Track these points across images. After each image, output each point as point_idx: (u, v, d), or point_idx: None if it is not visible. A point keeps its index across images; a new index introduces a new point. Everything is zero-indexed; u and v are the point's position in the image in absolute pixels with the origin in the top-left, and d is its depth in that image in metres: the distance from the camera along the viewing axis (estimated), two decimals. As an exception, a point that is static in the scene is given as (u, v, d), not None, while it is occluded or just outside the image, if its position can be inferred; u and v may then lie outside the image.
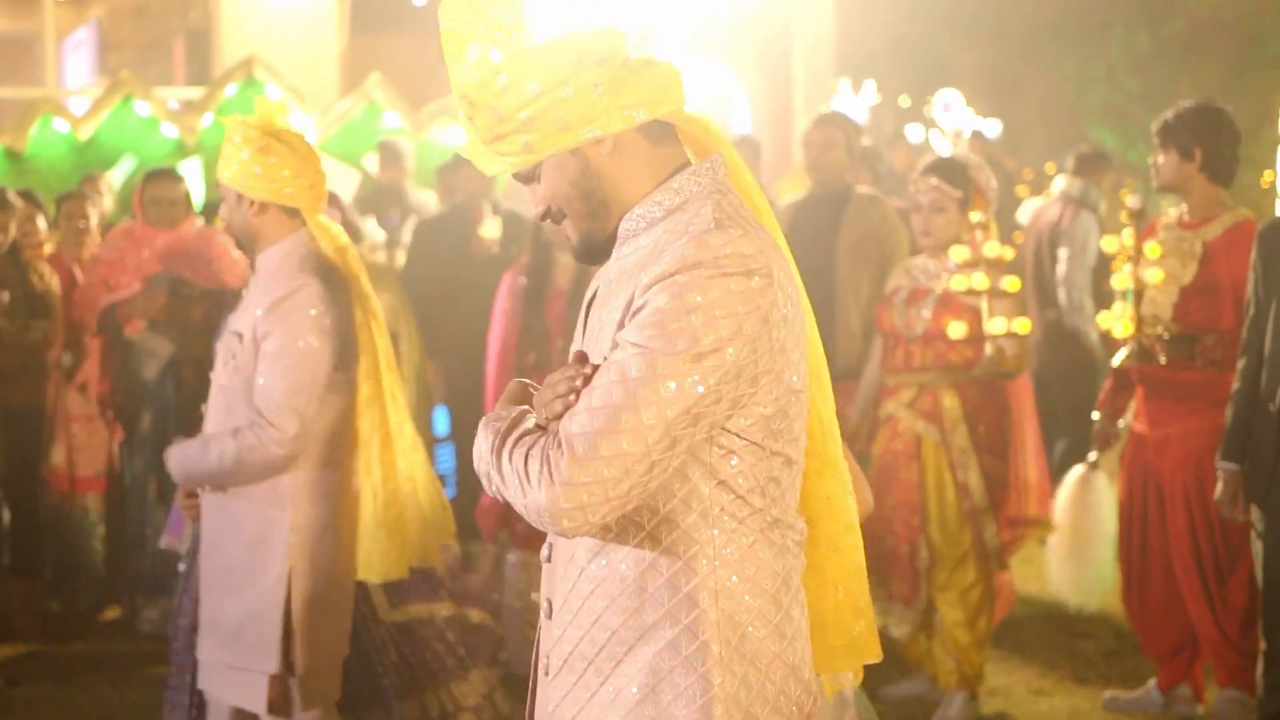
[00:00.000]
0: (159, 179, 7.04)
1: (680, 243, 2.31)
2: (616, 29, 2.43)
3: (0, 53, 19.54)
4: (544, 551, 2.52)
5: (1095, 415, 5.87)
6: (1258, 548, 4.99)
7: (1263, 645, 5.02)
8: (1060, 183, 8.63)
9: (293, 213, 4.34)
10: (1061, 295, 8.08)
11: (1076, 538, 5.98)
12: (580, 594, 2.41)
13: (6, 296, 6.66)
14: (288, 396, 4.12)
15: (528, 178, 2.51)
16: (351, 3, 13.83)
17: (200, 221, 7.14)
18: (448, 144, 11.03)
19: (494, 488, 2.37)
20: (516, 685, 6.12)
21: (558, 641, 2.44)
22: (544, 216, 2.51)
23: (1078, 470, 6.01)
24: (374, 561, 4.31)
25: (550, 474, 2.24)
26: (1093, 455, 5.96)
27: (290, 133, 4.34)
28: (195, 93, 12.17)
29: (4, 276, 6.78)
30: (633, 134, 2.42)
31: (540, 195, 2.49)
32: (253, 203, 4.28)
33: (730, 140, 2.52)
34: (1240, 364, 5.07)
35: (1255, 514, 5.00)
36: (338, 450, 4.28)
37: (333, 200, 7.88)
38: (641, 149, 2.44)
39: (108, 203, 8.81)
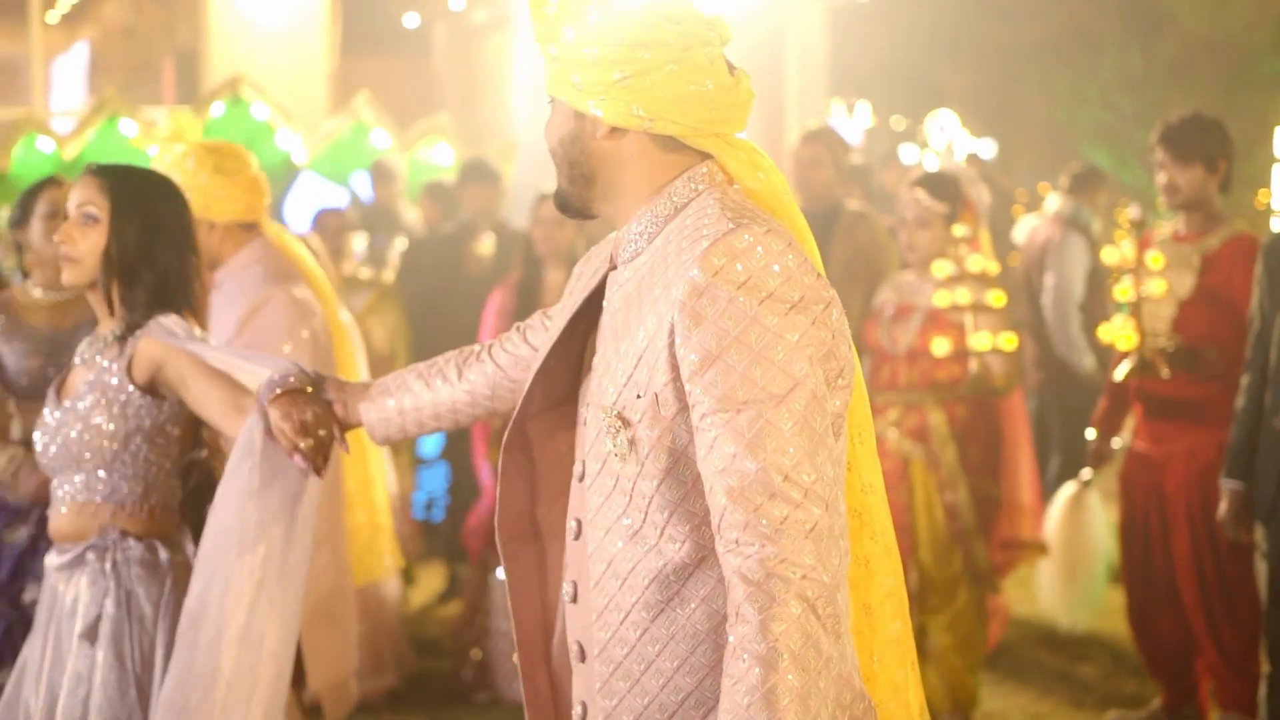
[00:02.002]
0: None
1: (701, 249, 2.14)
2: (712, 26, 2.29)
3: (-11, 74, 19.50)
4: (570, 525, 2.38)
5: (1090, 433, 5.78)
6: (1261, 568, 4.89)
7: (1265, 668, 4.92)
8: (1054, 202, 8.54)
9: (247, 225, 4.28)
10: (1049, 320, 8.00)
11: (1068, 557, 5.90)
12: (609, 587, 2.27)
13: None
14: None
15: (548, 99, 2.39)
16: (341, 24, 13.79)
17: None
18: (435, 163, 10.96)
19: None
20: (504, 713, 6.01)
21: (591, 628, 2.30)
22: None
23: (1069, 489, 5.92)
24: (371, 565, 4.27)
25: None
26: (1086, 473, 5.86)
27: (226, 144, 4.31)
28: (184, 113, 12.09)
29: None
30: (639, 133, 2.28)
31: (546, 126, 2.39)
32: (213, 225, 4.23)
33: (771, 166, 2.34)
34: (1244, 380, 4.97)
35: (1259, 533, 4.90)
36: None
37: (326, 218, 7.81)
38: (647, 150, 2.29)
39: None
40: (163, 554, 3.28)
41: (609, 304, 2.35)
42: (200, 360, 3.17)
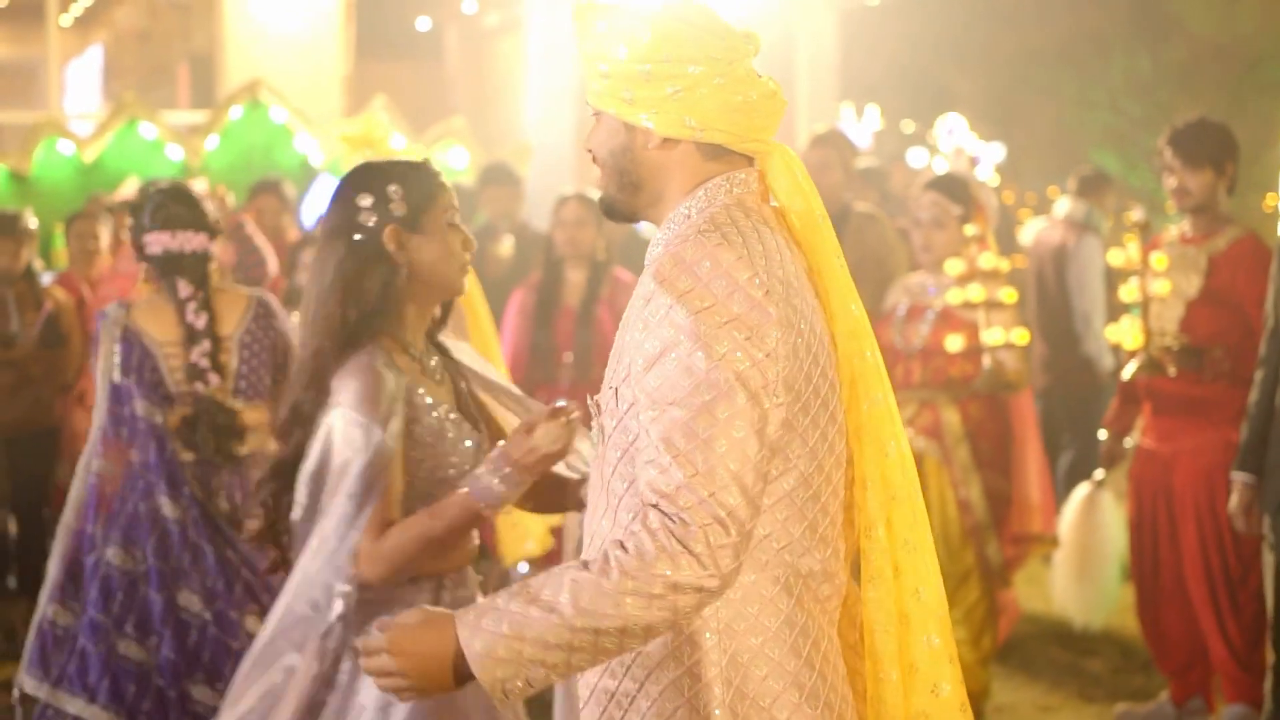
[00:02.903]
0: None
1: (661, 258, 2.31)
2: (747, 39, 2.41)
3: (5, 78, 19.63)
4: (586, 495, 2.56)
5: (1102, 433, 5.87)
6: (1269, 560, 4.99)
7: (1271, 659, 5.02)
8: (1063, 205, 8.62)
9: None
10: (1078, 325, 8.08)
11: (1082, 556, 5.98)
12: None
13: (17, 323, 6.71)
14: None
15: (593, 111, 2.49)
16: (355, 28, 13.89)
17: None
18: (451, 166, 11.07)
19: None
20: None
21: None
22: (589, 152, 2.51)
23: (1083, 488, 6.02)
24: None
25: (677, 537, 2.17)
26: (1099, 473, 5.96)
27: None
28: (199, 117, 12.22)
29: (21, 300, 6.82)
30: (688, 143, 2.40)
31: (590, 137, 2.49)
32: None
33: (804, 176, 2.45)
34: (1258, 375, 5.07)
35: (1268, 525, 5.00)
36: None
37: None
38: (691, 158, 2.41)
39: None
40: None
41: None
42: None
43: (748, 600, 2.29)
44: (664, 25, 2.36)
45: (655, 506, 2.19)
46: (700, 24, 2.37)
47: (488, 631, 2.20)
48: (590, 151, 2.49)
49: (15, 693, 4.53)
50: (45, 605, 4.50)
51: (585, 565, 2.22)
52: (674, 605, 2.17)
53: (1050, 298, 8.27)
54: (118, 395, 4.50)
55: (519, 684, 2.19)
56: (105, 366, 4.50)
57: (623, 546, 2.19)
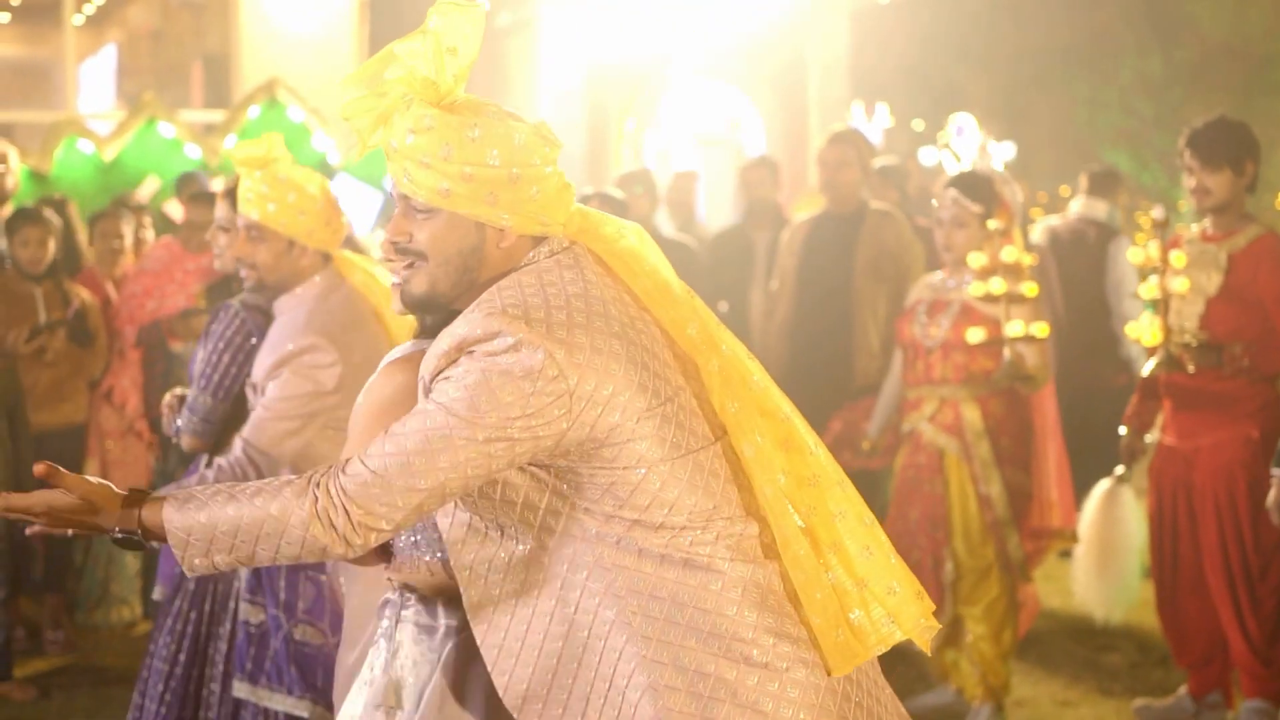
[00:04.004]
0: (201, 203, 7.08)
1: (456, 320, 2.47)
2: (555, 138, 2.56)
3: (20, 77, 19.68)
4: None
5: (1122, 430, 5.92)
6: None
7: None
8: (1077, 204, 8.62)
9: (320, 256, 4.39)
10: (1117, 327, 8.09)
11: (1103, 552, 6.02)
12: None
13: (43, 319, 6.75)
14: (270, 441, 4.20)
15: (409, 207, 2.54)
16: (370, 28, 13.94)
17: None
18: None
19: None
20: None
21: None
22: (392, 246, 2.56)
23: (1104, 484, 6.06)
24: None
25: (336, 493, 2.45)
26: (1119, 469, 6.00)
27: (314, 172, 4.42)
28: (214, 116, 12.26)
29: (49, 297, 6.87)
30: (528, 236, 2.54)
31: (409, 230, 2.54)
32: (305, 250, 4.33)
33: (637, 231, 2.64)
34: None
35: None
36: None
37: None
38: (524, 248, 2.55)
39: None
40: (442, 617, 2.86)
41: None
42: None
43: (640, 577, 2.47)
44: (525, 131, 2.50)
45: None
46: (529, 126, 2.53)
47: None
48: (402, 243, 2.55)
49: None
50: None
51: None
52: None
53: (1084, 300, 8.21)
54: None
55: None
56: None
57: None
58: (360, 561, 2.85)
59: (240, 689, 4.28)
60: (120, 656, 6.90)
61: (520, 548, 2.52)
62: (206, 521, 2.45)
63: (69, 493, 2.50)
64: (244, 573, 4.30)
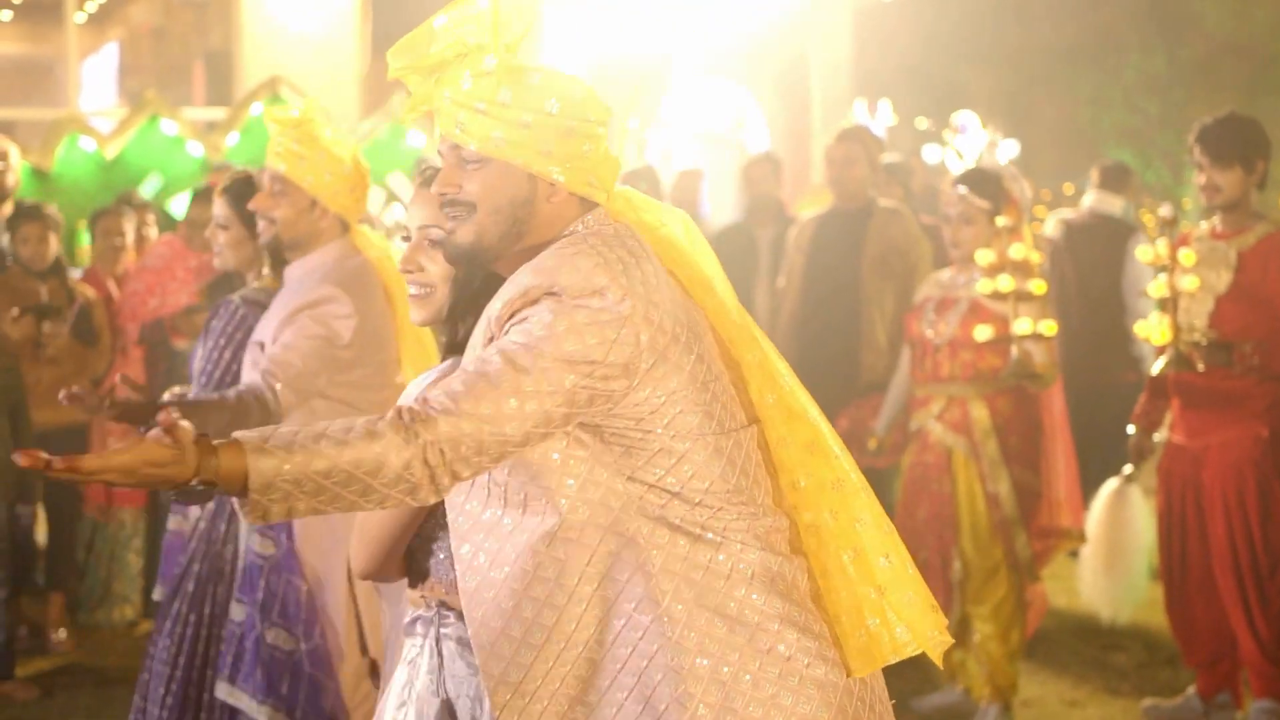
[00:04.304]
0: (205, 201, 7.05)
1: (522, 272, 2.44)
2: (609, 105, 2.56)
3: (22, 75, 19.65)
4: None
5: (1131, 428, 5.88)
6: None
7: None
8: (1089, 198, 8.54)
9: (339, 223, 4.35)
10: (1128, 315, 8.04)
11: (1111, 551, 5.99)
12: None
13: (48, 326, 6.71)
14: (299, 375, 4.11)
15: (459, 159, 2.51)
16: (372, 26, 13.91)
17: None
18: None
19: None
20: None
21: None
22: (443, 196, 2.53)
23: (1112, 483, 6.03)
24: None
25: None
26: (1128, 468, 5.97)
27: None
28: (216, 114, 12.23)
29: (53, 295, 6.84)
30: (577, 197, 2.53)
31: (459, 181, 2.51)
32: (325, 211, 4.29)
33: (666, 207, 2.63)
34: None
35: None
36: None
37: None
38: (572, 209, 2.53)
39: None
40: None
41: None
42: None
43: (673, 552, 2.43)
44: (585, 87, 2.51)
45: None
46: (589, 83, 2.53)
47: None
48: (451, 194, 2.52)
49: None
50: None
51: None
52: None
53: (1096, 295, 8.15)
54: None
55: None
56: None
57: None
58: (379, 577, 2.81)
59: (220, 689, 4.23)
60: (123, 656, 6.87)
61: (547, 522, 2.44)
62: (300, 462, 2.25)
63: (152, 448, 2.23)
64: (239, 572, 4.26)
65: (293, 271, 4.34)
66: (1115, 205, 8.36)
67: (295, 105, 4.40)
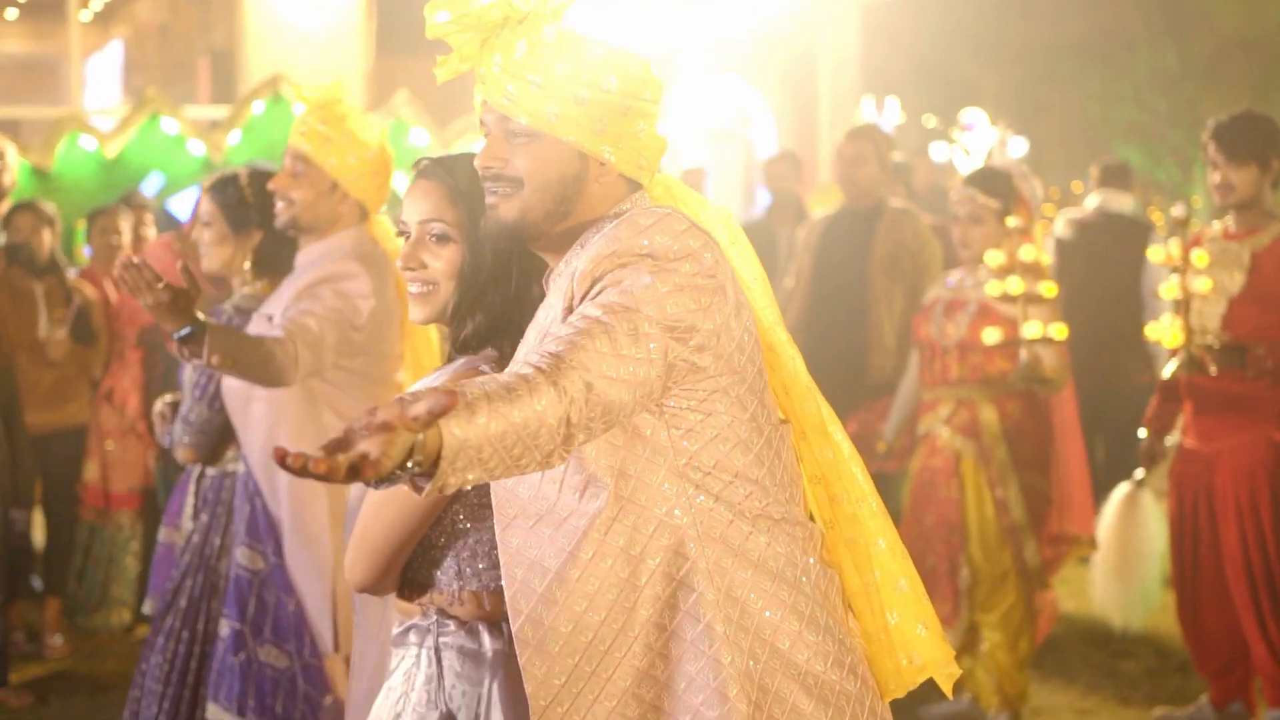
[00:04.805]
0: None
1: (608, 229, 2.34)
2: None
3: (25, 73, 19.61)
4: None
5: (1142, 432, 5.79)
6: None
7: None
8: (1094, 199, 8.45)
9: (358, 209, 4.25)
10: (1147, 315, 7.95)
11: (1122, 557, 5.89)
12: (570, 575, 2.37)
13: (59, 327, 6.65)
14: (317, 342, 3.95)
15: (506, 131, 2.41)
16: (377, 23, 13.84)
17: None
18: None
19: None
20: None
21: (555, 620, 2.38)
22: (487, 170, 2.42)
23: (1123, 488, 5.93)
24: None
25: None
26: (1139, 473, 5.88)
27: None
28: (220, 112, 12.17)
29: (50, 293, 6.77)
30: (624, 178, 2.44)
31: (506, 155, 2.41)
32: (345, 196, 4.17)
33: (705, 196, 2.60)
34: None
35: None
36: None
37: None
38: (619, 189, 2.45)
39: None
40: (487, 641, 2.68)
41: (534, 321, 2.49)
42: None
43: (729, 537, 2.33)
44: (642, 62, 2.41)
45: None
46: (644, 63, 2.43)
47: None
48: (496, 169, 2.41)
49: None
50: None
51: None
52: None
53: (1113, 296, 8.06)
54: None
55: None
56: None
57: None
58: (377, 590, 2.71)
59: (210, 709, 4.13)
60: (119, 661, 6.78)
61: (605, 508, 2.32)
62: (482, 426, 1.99)
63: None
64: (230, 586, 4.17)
65: (306, 254, 4.22)
66: (1125, 203, 8.26)
67: (316, 91, 4.28)
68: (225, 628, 4.15)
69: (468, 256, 2.68)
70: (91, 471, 7.10)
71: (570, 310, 2.30)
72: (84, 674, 6.66)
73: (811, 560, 2.41)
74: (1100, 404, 7.60)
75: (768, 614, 2.34)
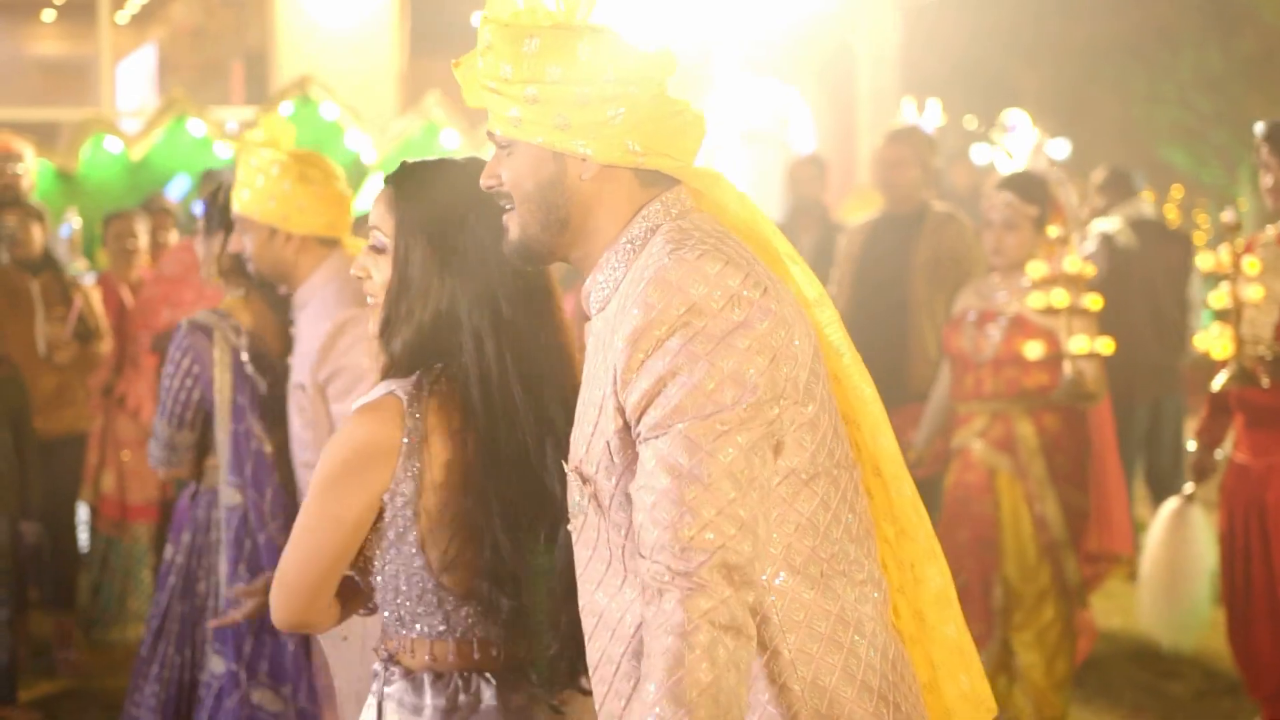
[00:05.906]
0: None
1: (640, 288, 2.08)
2: (671, 57, 2.22)
3: (59, 75, 19.61)
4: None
5: (1191, 445, 5.56)
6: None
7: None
8: (1116, 217, 8.20)
9: (327, 241, 4.06)
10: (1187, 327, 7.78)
11: (1171, 574, 5.67)
12: (601, 639, 2.20)
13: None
14: None
15: (501, 142, 2.26)
16: (409, 24, 13.74)
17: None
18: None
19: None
20: None
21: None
22: (489, 190, 2.28)
23: (1172, 503, 5.71)
24: None
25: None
26: (1189, 487, 5.65)
27: (314, 155, 4.08)
28: (253, 113, 12.06)
29: (47, 291, 6.62)
30: (626, 170, 2.22)
31: (498, 171, 2.26)
32: (289, 237, 4.00)
33: (740, 192, 2.30)
34: None
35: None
36: None
37: None
38: (627, 187, 2.23)
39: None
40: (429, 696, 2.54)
41: (587, 356, 2.30)
42: None
43: (793, 607, 2.13)
44: (600, 43, 2.17)
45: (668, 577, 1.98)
46: (633, 42, 2.20)
47: None
48: (494, 186, 2.27)
49: None
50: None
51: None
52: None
53: (1167, 309, 7.90)
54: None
55: None
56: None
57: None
58: (305, 627, 2.57)
59: None
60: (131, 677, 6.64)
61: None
62: None
63: None
64: (211, 622, 3.98)
65: (297, 304, 4.07)
66: (1148, 209, 8.07)
67: (326, 104, 4.16)
68: (220, 665, 3.98)
69: (393, 269, 2.53)
70: (108, 482, 6.96)
71: (619, 383, 2.09)
72: (96, 690, 6.50)
73: (862, 608, 2.19)
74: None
75: (835, 688, 2.15)
